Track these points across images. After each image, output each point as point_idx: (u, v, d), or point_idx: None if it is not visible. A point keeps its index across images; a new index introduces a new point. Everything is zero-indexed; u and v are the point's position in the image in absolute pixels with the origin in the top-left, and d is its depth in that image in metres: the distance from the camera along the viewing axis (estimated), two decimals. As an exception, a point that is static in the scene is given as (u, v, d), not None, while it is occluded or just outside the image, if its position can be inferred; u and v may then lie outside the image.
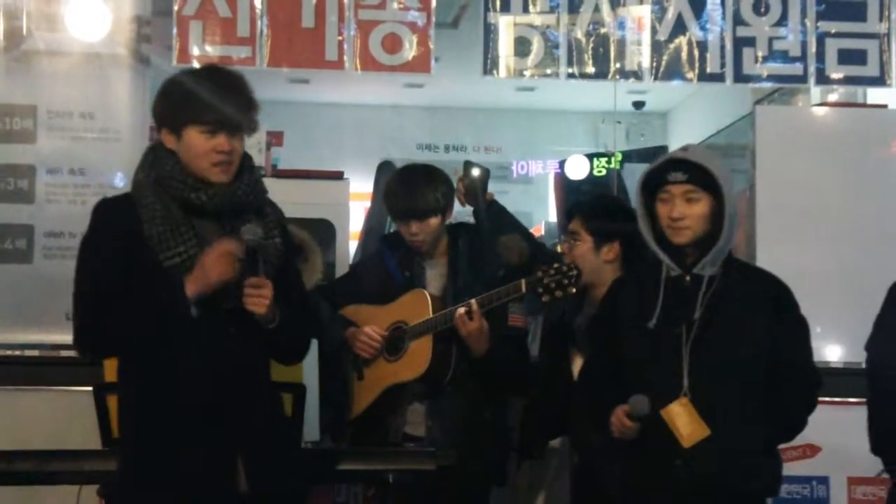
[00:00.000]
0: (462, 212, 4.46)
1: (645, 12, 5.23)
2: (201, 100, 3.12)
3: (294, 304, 3.20)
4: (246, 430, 3.10)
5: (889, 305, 3.61)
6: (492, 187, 4.49)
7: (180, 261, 3.06)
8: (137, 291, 3.05)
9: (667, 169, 3.30)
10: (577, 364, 3.88)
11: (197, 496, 3.05)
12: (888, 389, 3.49)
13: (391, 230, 4.64)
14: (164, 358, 3.07)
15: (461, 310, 3.80)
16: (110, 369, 3.74)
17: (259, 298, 3.05)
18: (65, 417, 4.48)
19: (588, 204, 4.34)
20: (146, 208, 3.10)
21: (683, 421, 3.20)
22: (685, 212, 3.26)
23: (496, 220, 4.32)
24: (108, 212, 3.17)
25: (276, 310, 3.10)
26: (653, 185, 3.34)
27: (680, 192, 3.27)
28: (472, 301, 3.79)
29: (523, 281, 3.75)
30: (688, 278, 3.30)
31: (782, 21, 5.28)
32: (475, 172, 4.29)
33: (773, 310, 3.31)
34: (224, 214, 3.15)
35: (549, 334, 4.16)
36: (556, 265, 3.71)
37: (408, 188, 4.03)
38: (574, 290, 3.71)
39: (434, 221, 4.01)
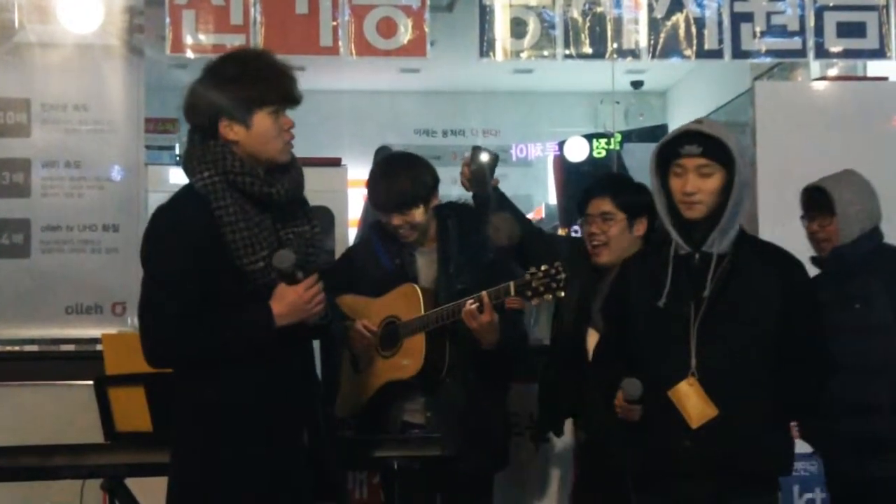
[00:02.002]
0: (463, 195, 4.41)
1: (641, -10, 5.21)
2: (267, 80, 3.06)
3: None
4: (310, 398, 3.18)
5: None
6: (491, 171, 4.44)
7: (264, 265, 3.00)
8: (220, 302, 2.98)
9: (681, 141, 3.26)
10: (593, 343, 3.84)
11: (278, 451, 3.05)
12: None
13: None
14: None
15: (471, 305, 3.73)
16: (111, 363, 3.72)
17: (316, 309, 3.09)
18: (66, 412, 4.46)
19: (611, 182, 4.26)
20: (224, 210, 2.99)
21: (692, 401, 3.16)
22: (699, 186, 3.22)
23: (496, 205, 4.26)
24: (182, 217, 3.03)
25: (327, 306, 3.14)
26: (667, 159, 3.30)
27: (693, 166, 3.22)
28: (483, 294, 3.73)
29: (512, 284, 3.70)
30: (697, 256, 3.27)
31: (780, -5, 5.26)
32: (483, 158, 4.18)
33: (784, 287, 3.26)
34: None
35: (569, 313, 4.10)
36: (544, 267, 3.64)
37: (386, 181, 3.94)
38: (562, 294, 3.66)
39: (416, 213, 3.92)
